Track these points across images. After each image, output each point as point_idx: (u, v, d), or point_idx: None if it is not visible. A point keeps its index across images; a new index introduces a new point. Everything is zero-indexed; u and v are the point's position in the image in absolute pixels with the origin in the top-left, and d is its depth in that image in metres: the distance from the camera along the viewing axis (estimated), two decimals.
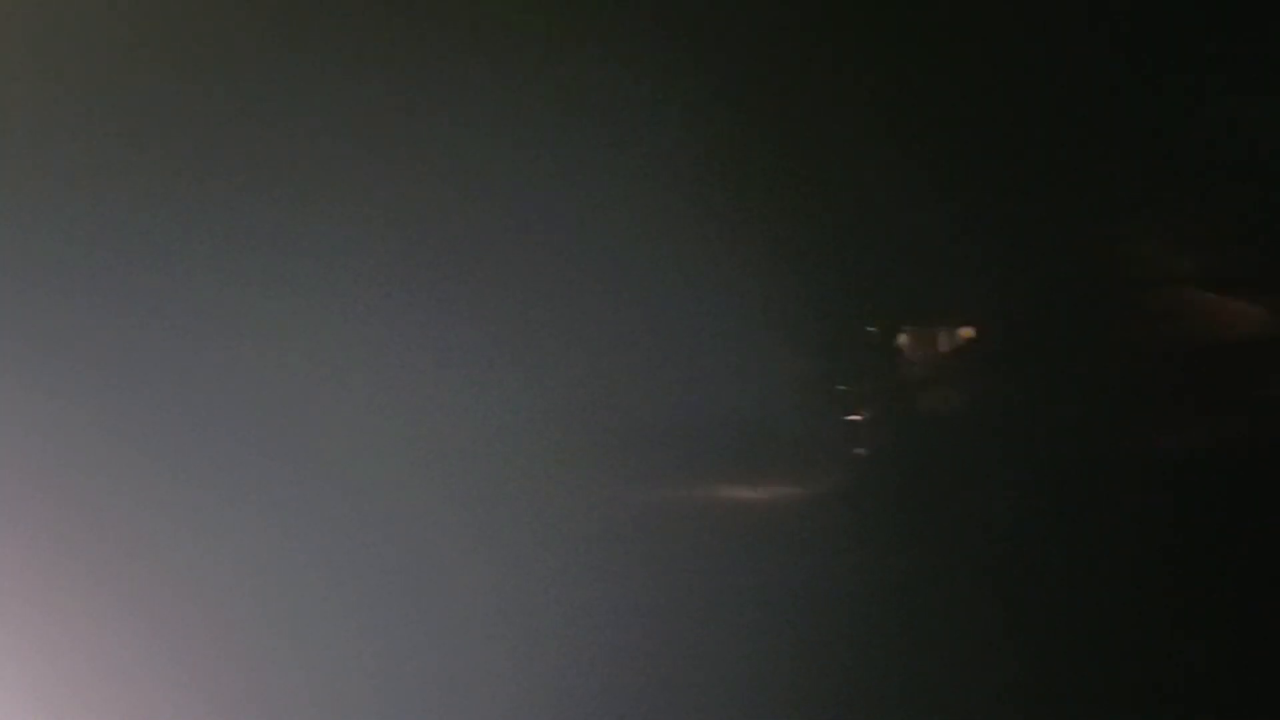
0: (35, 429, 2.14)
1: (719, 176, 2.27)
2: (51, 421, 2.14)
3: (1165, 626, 2.05)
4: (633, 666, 2.19)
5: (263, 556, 2.13)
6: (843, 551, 2.19)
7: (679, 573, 2.22)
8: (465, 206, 2.25)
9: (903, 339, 2.26)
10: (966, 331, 2.23)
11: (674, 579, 2.22)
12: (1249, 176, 2.15)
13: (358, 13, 2.25)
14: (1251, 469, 2.08)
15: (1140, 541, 2.07)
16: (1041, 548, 2.10)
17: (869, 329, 2.27)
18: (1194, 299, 2.16)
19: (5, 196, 2.19)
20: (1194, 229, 2.19)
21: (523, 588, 2.23)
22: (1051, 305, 2.19)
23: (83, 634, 2.14)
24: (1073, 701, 2.07)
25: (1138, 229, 2.20)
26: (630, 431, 2.26)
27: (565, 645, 2.20)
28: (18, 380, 2.13)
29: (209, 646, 2.13)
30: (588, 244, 2.28)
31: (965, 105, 2.24)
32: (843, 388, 2.25)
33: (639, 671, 2.18)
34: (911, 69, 2.27)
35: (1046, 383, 2.17)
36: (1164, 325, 2.17)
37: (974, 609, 2.11)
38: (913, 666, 2.12)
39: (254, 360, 2.16)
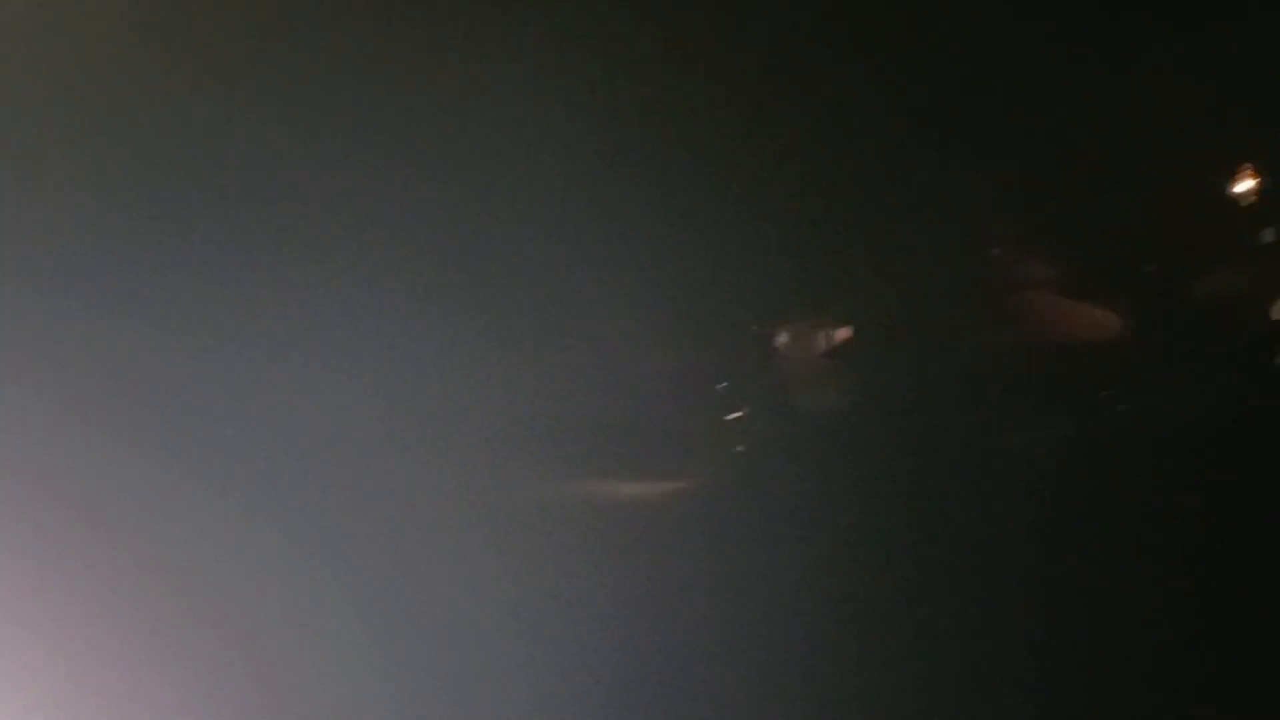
0: (33, 428, 2.11)
1: (600, 173, 2.24)
2: (50, 420, 2.12)
3: (1033, 626, 2.20)
4: (508, 664, 2.22)
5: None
6: (722, 547, 2.25)
7: (557, 570, 2.24)
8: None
9: (783, 338, 2.30)
10: (844, 331, 2.28)
11: (552, 576, 2.24)
12: (1104, 184, 2.25)
13: (357, 13, 2.21)
14: (1109, 465, 2.23)
15: (1009, 538, 2.20)
16: (914, 544, 2.21)
17: (752, 327, 2.30)
18: (1055, 302, 2.27)
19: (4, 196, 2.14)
20: (1054, 236, 2.29)
21: (397, 587, 2.23)
22: (927, 306, 2.26)
23: (83, 634, 2.13)
24: (940, 702, 2.22)
25: (1004, 234, 2.28)
26: (509, 428, 2.25)
27: (444, 642, 2.21)
28: (16, 381, 2.11)
29: (204, 646, 2.14)
30: (466, 242, 2.23)
31: (841, 107, 2.26)
32: (723, 385, 2.28)
33: (510, 670, 2.22)
34: (783, 67, 2.28)
35: (921, 381, 2.25)
36: (1025, 327, 2.27)
37: (851, 607, 2.21)
38: (788, 663, 2.22)
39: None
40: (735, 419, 2.28)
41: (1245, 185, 2.28)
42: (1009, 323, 2.27)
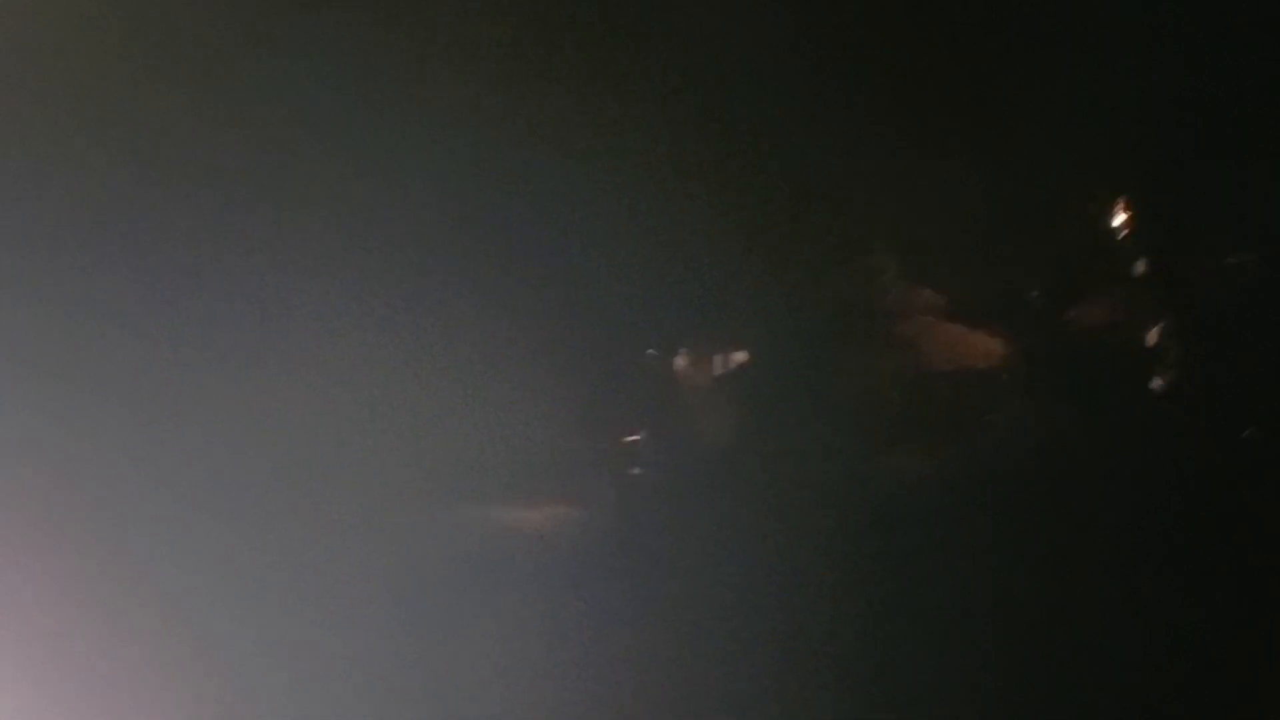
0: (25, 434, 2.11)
1: (495, 199, 2.27)
2: (42, 426, 2.12)
3: (915, 640, 2.27)
4: (404, 688, 2.23)
5: None
6: (617, 571, 2.28)
7: (457, 595, 2.25)
8: None
9: (680, 362, 2.34)
10: (740, 355, 2.34)
11: (452, 601, 2.26)
12: (987, 218, 2.34)
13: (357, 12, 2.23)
14: (993, 488, 2.31)
15: (897, 554, 2.27)
16: (811, 566, 2.26)
17: (648, 351, 2.34)
18: (941, 328, 2.35)
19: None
20: (938, 264, 2.38)
21: (297, 616, 2.22)
22: (819, 332, 2.33)
23: (72, 641, 2.12)
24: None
25: (891, 261, 2.36)
26: (407, 454, 2.26)
27: (338, 667, 2.21)
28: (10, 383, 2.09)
29: (190, 654, 2.13)
30: (354, 270, 2.25)
31: (736, 142, 2.31)
32: (619, 409, 2.32)
33: (406, 692, 2.23)
34: (678, 92, 2.32)
35: (813, 407, 2.31)
36: (913, 352, 2.35)
37: (749, 628, 2.26)
38: (686, 685, 2.26)
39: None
40: (631, 442, 2.33)
41: (1119, 219, 2.39)
42: (898, 348, 2.35)
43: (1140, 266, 2.36)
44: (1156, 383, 2.34)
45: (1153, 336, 2.33)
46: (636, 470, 2.32)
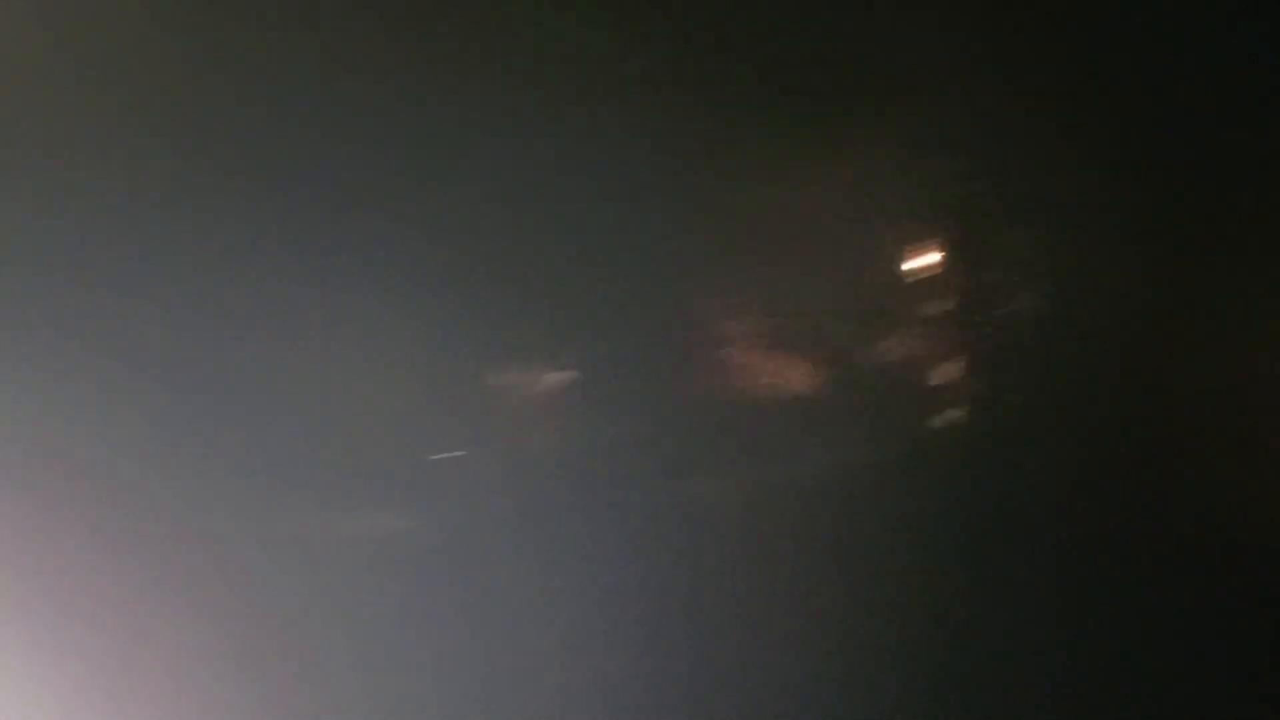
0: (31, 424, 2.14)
1: (320, 216, 2.27)
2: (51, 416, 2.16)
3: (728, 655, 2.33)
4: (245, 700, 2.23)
5: None
6: (441, 586, 2.30)
7: (281, 607, 2.26)
8: None
9: (499, 379, 2.37)
10: (568, 374, 2.37)
11: (277, 614, 2.26)
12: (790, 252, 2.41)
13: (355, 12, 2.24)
14: (794, 508, 2.38)
15: (713, 574, 2.32)
16: (633, 580, 2.31)
17: (469, 369, 2.36)
18: (752, 359, 2.42)
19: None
20: (749, 293, 2.44)
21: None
22: (644, 354, 2.37)
23: (83, 631, 2.18)
24: None
25: (706, 291, 2.42)
26: (230, 465, 2.25)
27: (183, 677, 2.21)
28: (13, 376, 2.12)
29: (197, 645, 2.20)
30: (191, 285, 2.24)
31: (555, 163, 2.35)
32: (448, 422, 2.33)
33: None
34: (491, 96, 2.35)
35: (640, 425, 2.36)
36: (729, 379, 2.41)
37: (578, 639, 2.29)
38: (519, 698, 2.30)
39: None
40: (452, 459, 2.34)
41: (921, 261, 2.48)
42: (709, 373, 2.41)
43: (934, 307, 2.45)
44: (959, 413, 2.43)
45: (958, 368, 2.43)
46: (465, 483, 2.34)
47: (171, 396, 2.23)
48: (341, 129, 2.27)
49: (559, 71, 2.34)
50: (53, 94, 2.22)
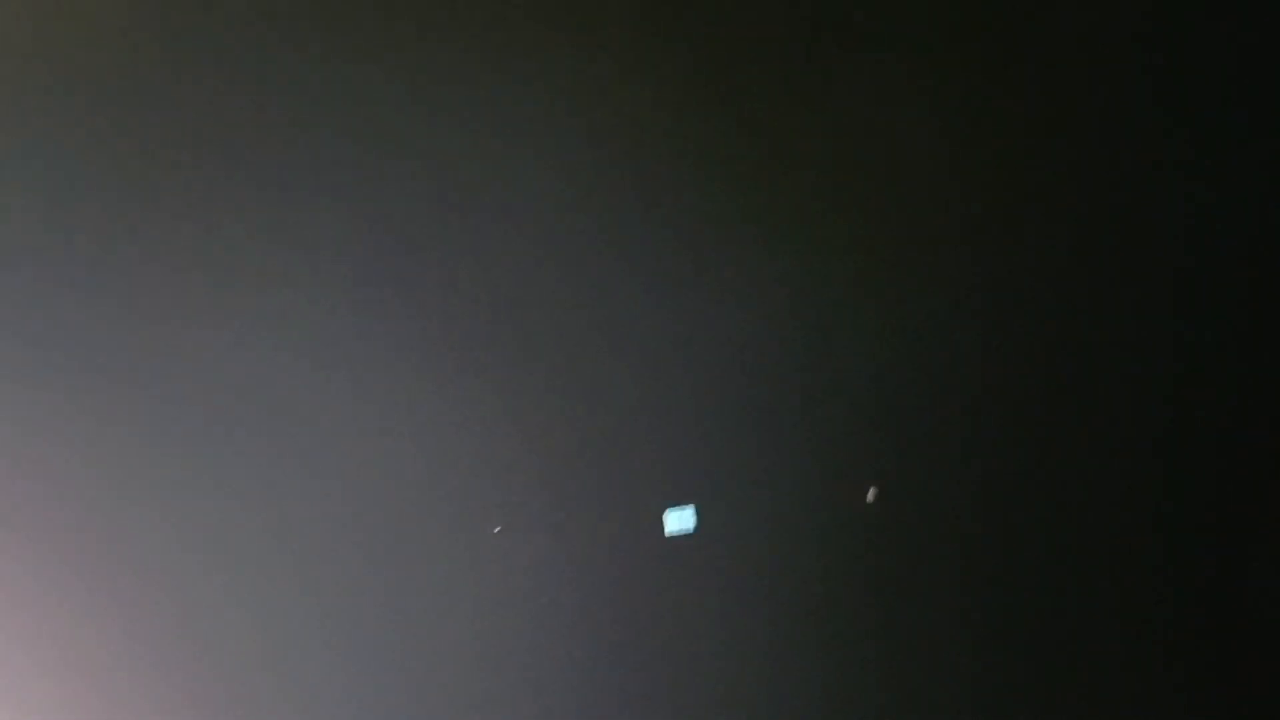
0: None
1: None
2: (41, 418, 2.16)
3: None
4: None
5: None
6: (338, 601, 2.36)
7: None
8: None
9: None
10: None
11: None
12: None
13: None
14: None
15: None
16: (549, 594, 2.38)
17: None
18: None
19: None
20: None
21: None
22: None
23: (68, 633, 2.18)
24: None
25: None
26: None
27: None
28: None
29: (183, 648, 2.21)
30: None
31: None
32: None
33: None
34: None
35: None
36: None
37: (494, 656, 2.36)
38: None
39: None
40: None
41: None
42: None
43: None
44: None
45: None
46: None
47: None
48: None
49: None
50: (54, 95, 2.23)
